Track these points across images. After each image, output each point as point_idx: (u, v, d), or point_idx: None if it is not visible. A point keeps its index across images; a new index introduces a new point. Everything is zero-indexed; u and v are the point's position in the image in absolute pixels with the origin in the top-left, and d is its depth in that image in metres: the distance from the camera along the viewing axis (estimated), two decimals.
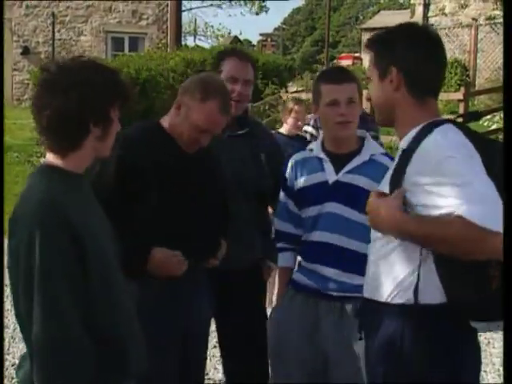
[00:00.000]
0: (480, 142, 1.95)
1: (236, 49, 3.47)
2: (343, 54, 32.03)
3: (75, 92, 1.92)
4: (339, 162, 2.70)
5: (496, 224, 1.74)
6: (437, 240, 1.83)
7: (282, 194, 2.88)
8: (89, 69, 1.99)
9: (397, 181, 1.96)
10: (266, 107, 12.56)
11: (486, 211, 1.76)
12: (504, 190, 1.88)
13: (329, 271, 2.69)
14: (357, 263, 2.59)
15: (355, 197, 2.63)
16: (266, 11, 31.68)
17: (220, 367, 4.16)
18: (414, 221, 1.88)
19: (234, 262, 2.87)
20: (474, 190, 1.78)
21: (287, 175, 2.84)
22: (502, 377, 4.06)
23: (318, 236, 2.72)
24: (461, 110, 11.25)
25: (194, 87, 2.65)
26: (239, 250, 2.90)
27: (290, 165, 2.84)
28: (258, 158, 3.08)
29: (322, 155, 2.73)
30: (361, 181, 2.66)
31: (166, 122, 2.73)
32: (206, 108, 2.61)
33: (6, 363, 3.50)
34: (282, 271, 2.92)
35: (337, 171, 2.70)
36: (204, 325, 2.86)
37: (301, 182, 2.78)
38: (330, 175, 2.70)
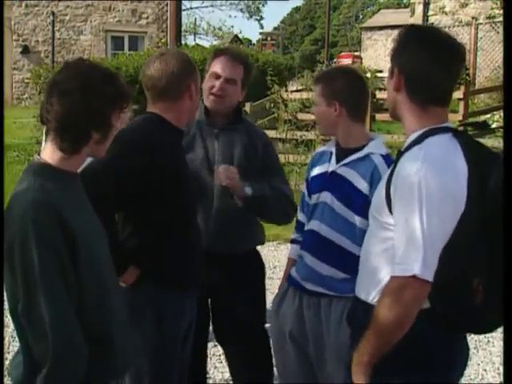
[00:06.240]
0: (478, 154, 1.93)
1: (230, 48, 3.48)
2: (343, 53, 31.91)
3: (79, 98, 1.92)
4: (343, 155, 2.80)
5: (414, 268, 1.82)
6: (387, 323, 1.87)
7: (304, 185, 3.02)
8: (93, 73, 1.99)
9: (390, 181, 1.97)
10: (267, 106, 12.56)
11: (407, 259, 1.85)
12: (504, 192, 1.89)
13: (312, 261, 2.78)
14: (338, 257, 2.70)
15: (343, 189, 2.75)
16: (261, 16, 32.20)
17: (220, 365, 4.17)
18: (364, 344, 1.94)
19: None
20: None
21: (308, 166, 2.99)
22: (501, 375, 4.06)
23: (311, 225, 2.83)
24: (461, 109, 11.27)
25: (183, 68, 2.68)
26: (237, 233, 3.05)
27: (311, 157, 3.01)
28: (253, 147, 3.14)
29: (333, 148, 2.85)
30: (350, 175, 2.75)
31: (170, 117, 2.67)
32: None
33: (6, 362, 3.49)
34: (289, 262, 3.03)
35: (338, 163, 2.81)
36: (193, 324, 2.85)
37: (313, 172, 2.92)
38: (331, 166, 2.81)
